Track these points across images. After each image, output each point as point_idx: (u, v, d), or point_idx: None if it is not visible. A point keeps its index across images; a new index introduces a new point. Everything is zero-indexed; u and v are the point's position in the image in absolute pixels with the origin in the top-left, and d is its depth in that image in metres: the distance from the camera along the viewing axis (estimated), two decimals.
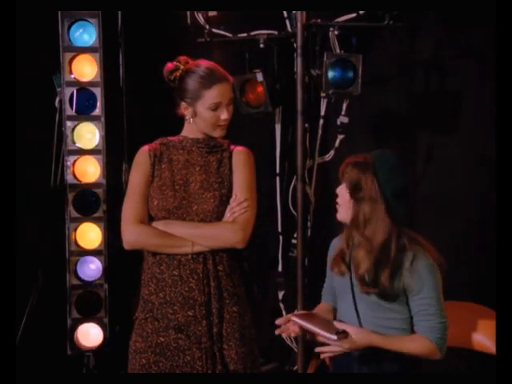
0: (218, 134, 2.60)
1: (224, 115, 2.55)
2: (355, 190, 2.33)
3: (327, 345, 2.31)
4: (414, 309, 2.35)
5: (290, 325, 2.40)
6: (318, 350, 2.35)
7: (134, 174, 2.61)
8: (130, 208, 2.55)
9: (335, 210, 2.43)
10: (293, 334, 2.44)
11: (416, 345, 2.32)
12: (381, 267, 2.30)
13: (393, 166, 2.34)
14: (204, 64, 2.57)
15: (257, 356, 2.63)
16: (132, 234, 2.53)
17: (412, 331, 2.38)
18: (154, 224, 2.54)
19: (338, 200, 2.41)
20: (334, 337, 2.26)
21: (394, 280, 2.30)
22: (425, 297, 2.31)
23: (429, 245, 2.38)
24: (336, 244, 2.52)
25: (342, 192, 2.38)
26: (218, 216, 2.53)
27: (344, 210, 2.39)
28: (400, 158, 2.39)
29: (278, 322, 2.42)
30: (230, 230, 2.51)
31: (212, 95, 2.52)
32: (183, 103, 2.57)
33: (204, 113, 2.54)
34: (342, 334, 2.27)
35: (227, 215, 2.53)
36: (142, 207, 2.55)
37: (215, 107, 2.53)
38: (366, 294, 2.33)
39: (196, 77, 2.53)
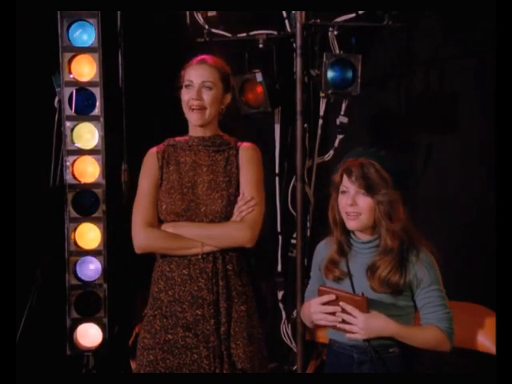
0: (192, 118, 2.59)
1: (193, 94, 2.55)
2: (372, 187, 2.31)
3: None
4: (421, 301, 2.36)
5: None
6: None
7: (142, 177, 2.64)
8: (140, 212, 2.57)
9: (350, 220, 2.36)
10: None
11: (428, 335, 2.33)
12: (395, 265, 2.32)
13: (383, 154, 2.37)
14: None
15: (264, 355, 2.64)
16: (142, 238, 2.55)
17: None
18: (163, 227, 2.56)
19: (359, 208, 2.34)
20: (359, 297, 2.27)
21: (404, 275, 2.32)
22: (435, 289, 2.34)
23: (423, 238, 2.40)
24: (323, 251, 2.50)
25: (360, 197, 2.34)
26: (226, 216, 2.54)
27: (367, 214, 2.34)
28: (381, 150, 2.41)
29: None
30: (238, 229, 2.52)
31: (187, 74, 2.59)
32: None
33: (182, 93, 2.61)
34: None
35: (235, 214, 2.54)
36: (152, 211, 2.57)
37: (187, 84, 2.58)
38: (383, 293, 2.33)
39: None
